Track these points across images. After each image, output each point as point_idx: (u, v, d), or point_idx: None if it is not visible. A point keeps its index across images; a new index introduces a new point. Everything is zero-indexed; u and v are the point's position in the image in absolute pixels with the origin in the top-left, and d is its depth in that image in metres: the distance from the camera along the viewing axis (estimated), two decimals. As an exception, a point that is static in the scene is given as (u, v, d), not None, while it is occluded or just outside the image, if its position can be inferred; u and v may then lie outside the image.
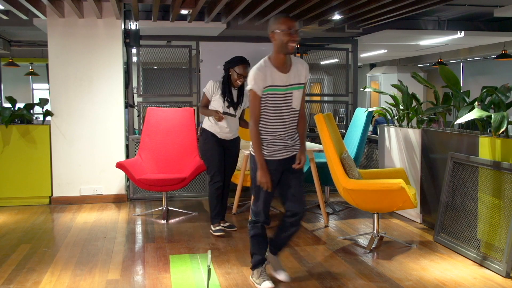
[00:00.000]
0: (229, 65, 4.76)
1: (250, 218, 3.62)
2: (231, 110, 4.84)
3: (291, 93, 3.40)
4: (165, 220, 5.46)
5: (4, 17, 6.73)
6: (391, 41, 8.67)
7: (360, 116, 5.84)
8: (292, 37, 3.26)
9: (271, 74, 3.33)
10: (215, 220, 4.91)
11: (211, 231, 4.91)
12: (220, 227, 4.88)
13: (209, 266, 3.25)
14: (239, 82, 4.76)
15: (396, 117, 5.73)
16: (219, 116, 4.72)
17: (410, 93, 5.44)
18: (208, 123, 4.91)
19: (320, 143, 5.40)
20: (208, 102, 4.88)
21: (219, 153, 4.88)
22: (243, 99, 4.89)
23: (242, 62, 4.70)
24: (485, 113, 4.08)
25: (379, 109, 5.80)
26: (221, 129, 4.87)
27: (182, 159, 5.85)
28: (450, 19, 7.72)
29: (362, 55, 10.97)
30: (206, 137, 4.91)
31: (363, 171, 4.88)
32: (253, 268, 3.65)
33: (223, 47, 7.18)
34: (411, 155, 5.34)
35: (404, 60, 12.77)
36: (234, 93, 4.86)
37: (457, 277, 3.78)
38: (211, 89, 4.84)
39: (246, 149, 5.21)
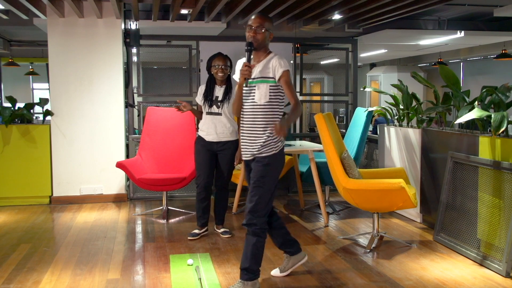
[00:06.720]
0: (209, 62, 4.74)
1: (256, 225, 3.38)
2: (214, 109, 4.71)
3: (254, 86, 3.34)
4: (165, 220, 5.47)
5: (4, 17, 6.73)
6: (391, 41, 8.67)
7: (360, 115, 5.84)
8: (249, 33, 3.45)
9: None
10: (198, 223, 4.85)
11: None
12: (195, 231, 4.80)
13: (197, 267, 3.22)
14: (220, 74, 4.67)
15: (396, 117, 5.74)
16: (178, 105, 4.83)
17: (410, 92, 5.44)
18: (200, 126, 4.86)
19: (320, 143, 5.40)
20: (201, 107, 4.84)
21: (203, 157, 4.74)
22: (230, 96, 4.71)
23: (217, 55, 4.71)
24: (485, 113, 4.08)
25: (379, 108, 5.80)
26: (207, 130, 4.75)
27: (182, 158, 5.85)
28: (450, 18, 7.72)
29: (362, 55, 10.97)
30: (196, 140, 4.86)
31: (363, 170, 4.88)
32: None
33: (223, 47, 7.16)
34: (411, 155, 5.34)
35: (404, 59, 12.76)
36: (221, 90, 4.73)
37: (457, 277, 3.79)
38: (198, 93, 4.84)
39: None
